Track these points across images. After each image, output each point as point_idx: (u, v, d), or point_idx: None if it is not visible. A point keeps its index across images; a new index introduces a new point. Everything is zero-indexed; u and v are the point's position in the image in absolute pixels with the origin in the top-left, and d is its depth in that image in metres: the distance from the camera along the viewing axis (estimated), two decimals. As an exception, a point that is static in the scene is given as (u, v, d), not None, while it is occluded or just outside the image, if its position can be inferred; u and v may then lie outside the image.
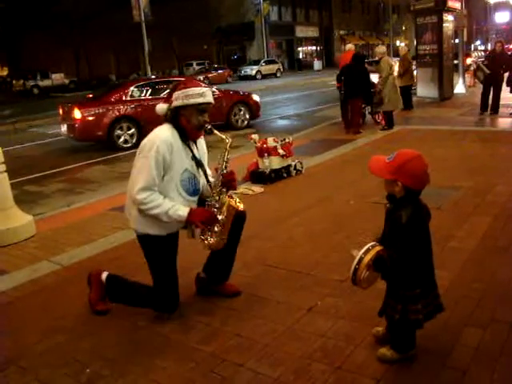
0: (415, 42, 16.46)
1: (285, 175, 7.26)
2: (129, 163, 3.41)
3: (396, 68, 13.44)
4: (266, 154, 7.12)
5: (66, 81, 45.85)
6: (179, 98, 3.37)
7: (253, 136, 7.37)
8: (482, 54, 32.92)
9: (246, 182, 7.12)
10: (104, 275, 3.67)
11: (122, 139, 11.71)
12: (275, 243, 4.80)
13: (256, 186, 6.88)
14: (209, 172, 3.68)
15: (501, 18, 67.55)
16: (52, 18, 40.62)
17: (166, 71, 43.79)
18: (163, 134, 3.35)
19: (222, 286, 3.80)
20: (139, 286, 3.60)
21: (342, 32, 63.54)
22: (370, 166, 2.72)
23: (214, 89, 13.83)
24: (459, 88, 17.30)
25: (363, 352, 2.94)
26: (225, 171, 3.51)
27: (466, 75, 18.28)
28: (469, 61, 21.97)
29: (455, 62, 17.48)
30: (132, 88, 12.42)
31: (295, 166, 7.42)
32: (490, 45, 56.14)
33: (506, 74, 12.22)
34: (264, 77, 42.84)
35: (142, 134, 11.14)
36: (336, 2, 60.89)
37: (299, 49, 59.49)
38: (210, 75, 40.21)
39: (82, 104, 12.29)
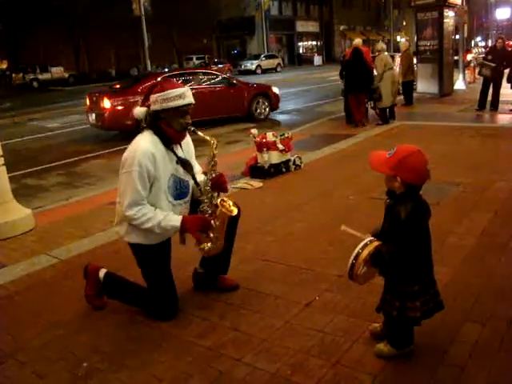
0: (416, 38, 16.42)
1: (284, 170, 7.25)
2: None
3: (397, 63, 13.47)
4: (265, 149, 7.11)
5: (66, 74, 45.70)
6: (157, 101, 3.21)
7: (252, 131, 7.35)
8: (483, 50, 32.92)
9: (245, 177, 7.11)
10: (102, 273, 3.62)
11: None
12: (274, 238, 4.79)
13: (255, 180, 6.87)
14: (198, 168, 3.61)
15: (501, 14, 67.35)
16: (52, 11, 40.45)
17: (167, 65, 43.66)
18: (143, 146, 3.19)
19: (220, 279, 3.78)
20: (138, 290, 3.53)
21: (342, 27, 63.44)
22: (371, 162, 2.70)
23: (234, 81, 14.19)
24: (459, 84, 17.27)
25: (361, 347, 2.94)
26: (213, 175, 3.41)
27: (467, 71, 18.25)
28: (469, 57, 21.93)
29: (455, 58, 17.44)
30: (159, 79, 12.50)
31: (294, 160, 7.40)
32: (490, 41, 56.05)
33: (507, 71, 12.21)
34: (264, 71, 42.81)
35: None
36: (337, -3, 60.85)
37: (299, 44, 59.42)
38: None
39: (110, 94, 12.47)
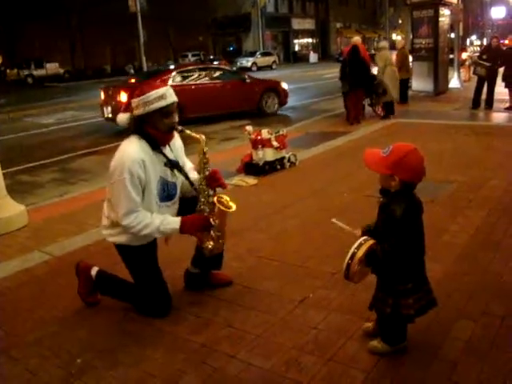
0: (411, 36, 16.44)
1: (278, 167, 7.25)
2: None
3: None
4: (260, 146, 7.10)
5: (61, 71, 45.51)
6: (139, 106, 3.14)
7: (247, 128, 7.35)
8: (478, 48, 32.96)
9: (240, 174, 7.10)
10: (94, 271, 3.59)
11: None
12: (268, 235, 4.79)
13: (250, 177, 6.86)
14: (190, 165, 3.58)
15: (497, 13, 67.49)
16: (48, 7, 40.31)
17: (170, 62, 43.61)
18: (131, 152, 3.12)
19: (213, 276, 3.77)
20: (132, 287, 3.50)
21: (338, 25, 63.45)
22: (366, 161, 2.68)
23: (246, 76, 14.46)
24: (454, 82, 17.29)
25: (355, 344, 2.95)
26: (207, 173, 3.34)
27: (462, 70, 18.28)
28: (464, 55, 21.96)
29: (451, 56, 17.47)
30: (174, 74, 12.95)
31: (289, 158, 7.40)
32: (485, 40, 56.14)
33: (501, 69, 12.25)
34: (259, 69, 42.73)
35: (183, 117, 11.58)
36: (333, -5, 60.82)
37: (295, 41, 59.41)
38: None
39: (127, 87, 12.52)
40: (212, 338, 3.13)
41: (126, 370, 2.89)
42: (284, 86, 14.76)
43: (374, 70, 11.84)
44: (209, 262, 3.63)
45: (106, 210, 3.41)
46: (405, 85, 13.99)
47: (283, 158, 7.33)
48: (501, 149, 7.80)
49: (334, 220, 2.80)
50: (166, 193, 3.35)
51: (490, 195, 5.50)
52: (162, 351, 3.04)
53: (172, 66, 16.97)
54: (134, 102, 3.18)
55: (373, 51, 12.14)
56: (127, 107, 3.30)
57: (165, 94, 3.16)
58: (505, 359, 2.73)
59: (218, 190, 3.48)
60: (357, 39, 12.04)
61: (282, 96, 14.62)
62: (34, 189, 7.83)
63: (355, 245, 2.58)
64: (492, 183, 5.90)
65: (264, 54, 46.04)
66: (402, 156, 2.55)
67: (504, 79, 12.11)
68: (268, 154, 7.12)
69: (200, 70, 13.82)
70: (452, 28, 17.67)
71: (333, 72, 22.42)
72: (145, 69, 30.45)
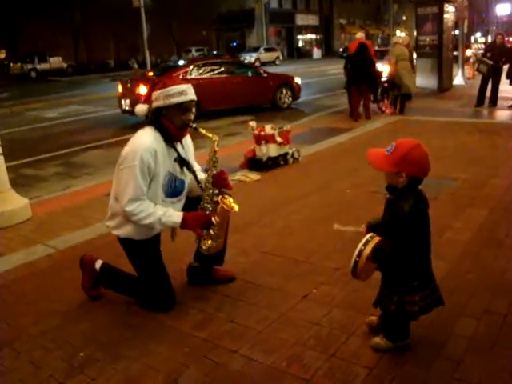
0: (415, 33, 16.39)
1: (282, 163, 7.24)
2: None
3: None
4: (263, 142, 7.10)
5: (64, 65, 45.51)
6: (159, 98, 3.23)
7: (250, 123, 7.34)
8: (482, 45, 32.84)
9: (243, 170, 7.10)
10: (98, 265, 3.61)
11: None
12: (272, 231, 4.79)
13: (253, 173, 6.86)
14: (197, 167, 3.61)
15: (502, 10, 67.24)
16: (51, 1, 40.27)
17: (168, 57, 43.54)
18: (145, 141, 3.19)
19: (216, 271, 3.78)
20: (136, 281, 3.51)
21: (342, 21, 63.28)
22: (370, 161, 2.68)
23: (261, 71, 14.80)
24: (458, 80, 17.24)
25: (357, 340, 2.95)
26: (214, 172, 3.40)
27: (466, 67, 18.22)
28: (468, 52, 21.90)
29: (455, 53, 17.41)
30: (191, 67, 13.20)
31: (292, 153, 7.40)
32: (490, 37, 55.94)
33: (506, 67, 12.20)
34: (263, 64, 42.47)
35: (200, 110, 11.87)
36: (337, -9, 60.65)
37: (299, 37, 59.25)
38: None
39: (147, 80, 12.85)
40: (215, 332, 3.14)
41: (129, 364, 2.89)
42: (297, 80, 14.95)
43: (380, 67, 11.85)
44: (210, 258, 3.64)
45: (111, 201, 3.42)
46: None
47: (287, 153, 7.32)
48: (504, 147, 7.78)
49: (335, 226, 2.79)
50: (173, 189, 3.38)
51: (493, 193, 5.50)
52: (164, 345, 3.05)
53: (183, 61, 17.14)
54: (155, 94, 3.26)
55: (376, 48, 12.17)
56: (147, 99, 3.33)
57: (185, 90, 3.25)
58: (508, 356, 2.74)
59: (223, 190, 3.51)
60: (360, 35, 12.03)
61: (296, 90, 14.81)
62: (38, 182, 7.84)
63: (362, 242, 2.57)
64: (495, 181, 5.90)
65: (267, 50, 45.98)
66: (406, 151, 2.55)
67: (508, 76, 12.07)
68: (271, 150, 7.12)
69: (217, 64, 14.10)
70: (456, 25, 17.61)
71: (337, 68, 22.39)
72: (148, 63, 30.41)
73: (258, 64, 41.94)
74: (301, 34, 59.72)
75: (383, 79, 11.75)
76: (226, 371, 2.78)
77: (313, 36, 61.60)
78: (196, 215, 3.34)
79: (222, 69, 13.83)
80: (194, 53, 47.04)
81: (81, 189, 6.90)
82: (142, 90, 12.17)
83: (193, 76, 12.91)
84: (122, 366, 2.88)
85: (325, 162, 7.55)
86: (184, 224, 3.27)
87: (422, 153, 2.58)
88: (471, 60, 20.16)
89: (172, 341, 3.09)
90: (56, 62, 45.18)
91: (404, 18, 70.09)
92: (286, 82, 14.81)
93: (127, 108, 12.75)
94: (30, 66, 43.43)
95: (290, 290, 3.60)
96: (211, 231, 3.39)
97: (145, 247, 3.40)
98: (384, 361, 2.76)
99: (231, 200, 3.44)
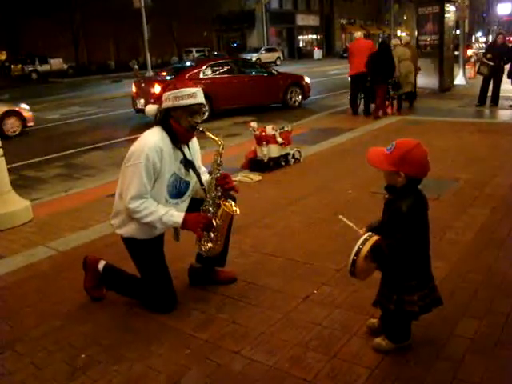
0: (416, 33, 16.37)
1: (283, 163, 7.24)
2: (127, 149, 3.37)
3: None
4: (264, 142, 7.09)
5: (65, 66, 45.59)
6: (169, 99, 3.26)
7: (252, 124, 7.34)
8: (483, 45, 32.83)
9: (244, 170, 7.10)
10: (101, 265, 3.62)
11: None
12: (273, 231, 4.79)
13: (254, 174, 6.86)
14: (203, 169, 3.63)
15: (503, 9, 67.20)
16: (51, 2, 40.29)
17: (168, 58, 43.56)
18: (152, 140, 3.22)
19: (217, 272, 3.78)
20: (138, 282, 3.52)
21: (343, 21, 63.26)
22: (369, 159, 2.68)
23: (273, 71, 15.08)
24: (459, 79, 17.23)
25: (359, 341, 2.95)
26: (218, 174, 3.42)
27: (467, 67, 18.21)
28: (469, 52, 21.89)
29: (456, 53, 17.39)
30: (205, 67, 13.40)
31: (293, 154, 7.40)
32: (491, 36, 55.91)
33: (507, 66, 12.19)
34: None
35: (214, 109, 12.56)
36: (337, -9, 60.63)
37: (299, 37, 59.23)
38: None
39: (160, 80, 13.14)
40: (216, 334, 3.14)
41: (131, 365, 2.89)
42: (307, 79, 15.19)
43: None
44: (212, 259, 3.65)
45: (116, 198, 3.43)
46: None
47: (288, 154, 7.32)
48: (506, 146, 7.77)
49: (341, 216, 2.80)
50: (178, 190, 3.40)
51: (494, 193, 5.49)
52: (166, 347, 3.05)
53: (191, 61, 17.46)
54: (165, 95, 3.30)
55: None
56: (157, 99, 3.35)
57: (195, 93, 3.27)
58: (510, 357, 2.73)
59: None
60: (359, 35, 11.99)
61: (306, 89, 15.03)
62: (39, 184, 7.84)
63: (360, 241, 2.58)
64: (496, 181, 5.89)
65: (268, 50, 45.98)
66: (406, 151, 2.55)
67: (510, 76, 12.05)
68: (272, 151, 7.12)
69: (230, 63, 14.42)
70: (457, 24, 17.59)
71: (338, 68, 22.39)
72: (149, 65, 30.44)
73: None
74: (301, 34, 59.71)
75: None
76: (227, 372, 2.77)
77: (313, 36, 61.59)
78: (197, 216, 3.35)
79: (235, 68, 14.07)
80: (195, 53, 47.02)
81: (82, 190, 6.90)
82: (157, 89, 12.43)
83: (206, 75, 13.22)
84: (124, 367, 2.88)
85: (326, 162, 7.55)
86: (185, 224, 3.28)
87: (421, 152, 2.58)
88: (472, 60, 20.16)
89: (173, 342, 3.09)
90: (57, 63, 45.25)
91: (405, 17, 69.96)
92: (297, 81, 15.04)
93: (141, 107, 12.84)
94: (30, 68, 43.51)
95: (292, 290, 3.60)
96: (211, 234, 3.40)
97: (147, 247, 3.41)
98: (386, 361, 2.75)
99: (232, 203, 3.47)
